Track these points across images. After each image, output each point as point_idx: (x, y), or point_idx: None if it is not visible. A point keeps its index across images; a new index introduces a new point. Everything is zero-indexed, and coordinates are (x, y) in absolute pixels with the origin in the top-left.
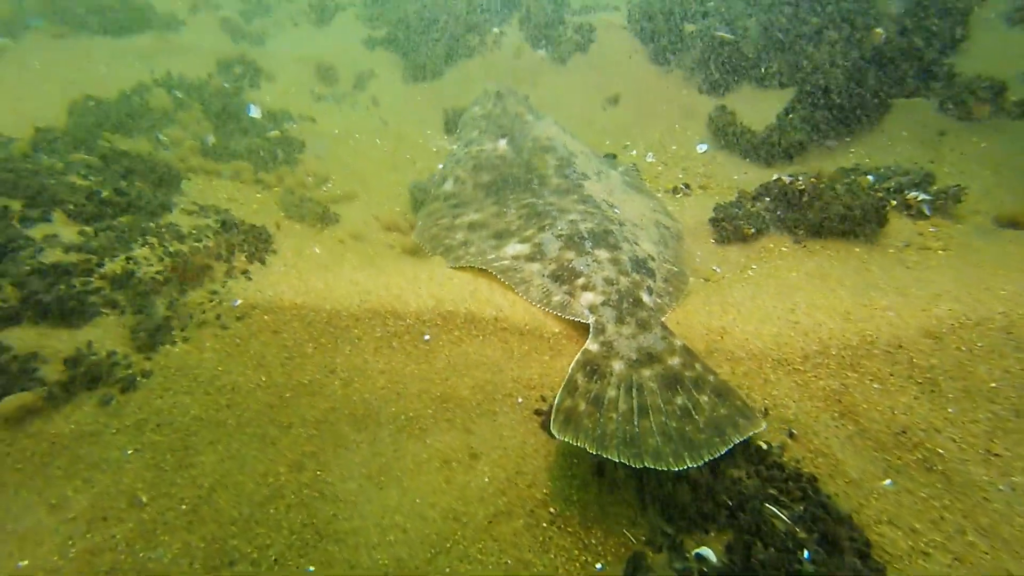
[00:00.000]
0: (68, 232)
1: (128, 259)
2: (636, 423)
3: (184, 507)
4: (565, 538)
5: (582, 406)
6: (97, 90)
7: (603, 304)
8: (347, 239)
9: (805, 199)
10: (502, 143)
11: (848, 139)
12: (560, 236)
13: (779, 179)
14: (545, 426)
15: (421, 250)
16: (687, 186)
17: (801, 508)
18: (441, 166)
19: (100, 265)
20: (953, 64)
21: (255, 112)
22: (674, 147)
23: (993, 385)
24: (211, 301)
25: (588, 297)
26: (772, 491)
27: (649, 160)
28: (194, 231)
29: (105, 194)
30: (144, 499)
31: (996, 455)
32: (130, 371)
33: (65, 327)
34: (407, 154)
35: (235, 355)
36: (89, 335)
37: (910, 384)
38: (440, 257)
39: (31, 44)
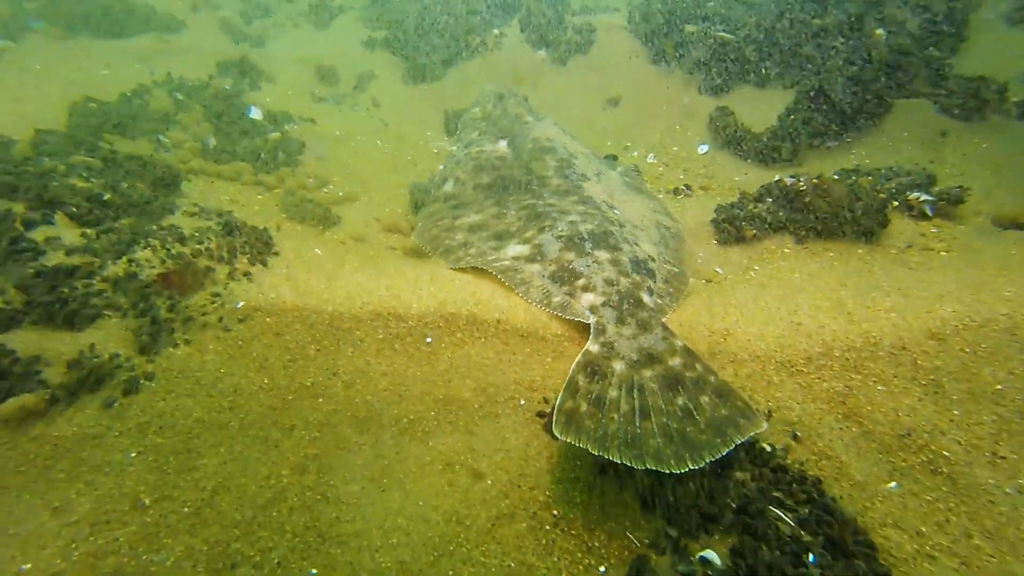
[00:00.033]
0: (70, 234)
1: (130, 261)
2: (638, 424)
3: (187, 510)
4: (568, 541)
5: (583, 407)
6: (97, 92)
7: (604, 305)
8: (348, 241)
9: (807, 200)
10: (502, 144)
11: (849, 140)
12: (560, 237)
13: (780, 180)
14: (547, 428)
15: (423, 252)
16: (688, 187)
17: (806, 511)
18: (441, 167)
19: (102, 267)
20: (953, 65)
21: (256, 114)
22: (675, 148)
23: (998, 387)
24: (213, 303)
25: (588, 298)
26: (776, 494)
27: (650, 161)
28: (196, 233)
29: (107, 196)
30: (147, 502)
31: (1002, 457)
32: (133, 373)
33: (68, 330)
34: (408, 155)
35: (237, 357)
36: (92, 338)
37: (914, 386)
38: (441, 258)
39: (31, 46)
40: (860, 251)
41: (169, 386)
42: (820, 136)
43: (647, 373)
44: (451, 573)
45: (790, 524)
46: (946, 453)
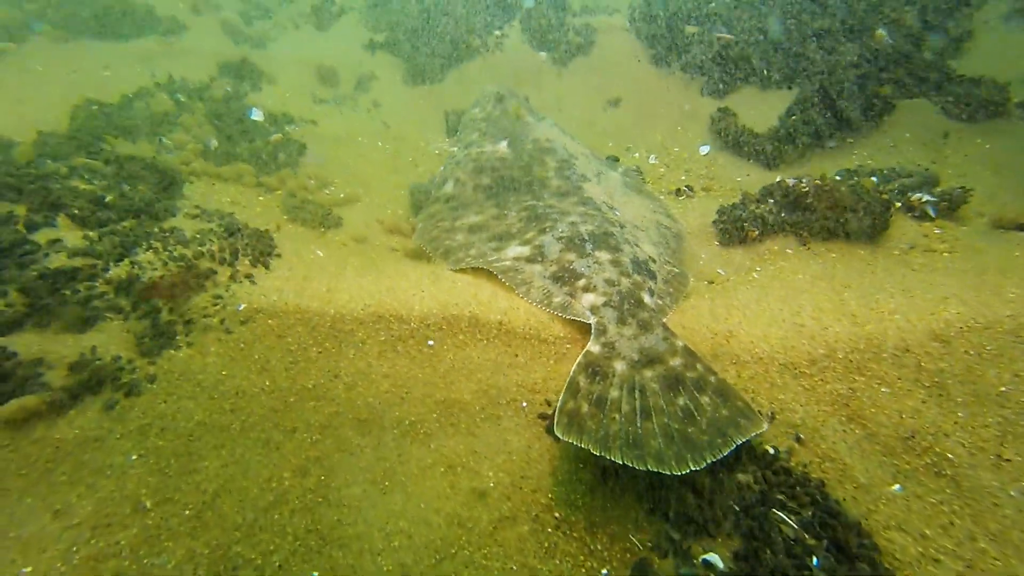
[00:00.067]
0: (72, 237)
1: (132, 264)
2: (639, 425)
3: (188, 513)
4: (570, 543)
5: (585, 407)
6: (99, 93)
7: (605, 305)
8: (350, 242)
9: (809, 201)
10: (502, 145)
11: (850, 140)
12: (561, 238)
13: (782, 181)
14: (550, 430)
15: (424, 253)
16: (690, 188)
17: (809, 513)
18: (442, 168)
19: (105, 270)
20: (955, 65)
21: (257, 115)
22: (676, 149)
23: (1003, 389)
24: (215, 305)
25: (589, 298)
26: (780, 496)
27: (651, 162)
28: (198, 235)
29: (109, 198)
30: (148, 505)
31: (1006, 460)
32: (134, 376)
33: (70, 332)
34: (409, 157)
35: (239, 360)
36: (94, 340)
37: (918, 388)
38: (441, 259)
39: (33, 48)
40: (862, 252)
41: (171, 388)
42: (821, 137)
43: (648, 373)
44: None
45: (794, 527)
46: (950, 456)
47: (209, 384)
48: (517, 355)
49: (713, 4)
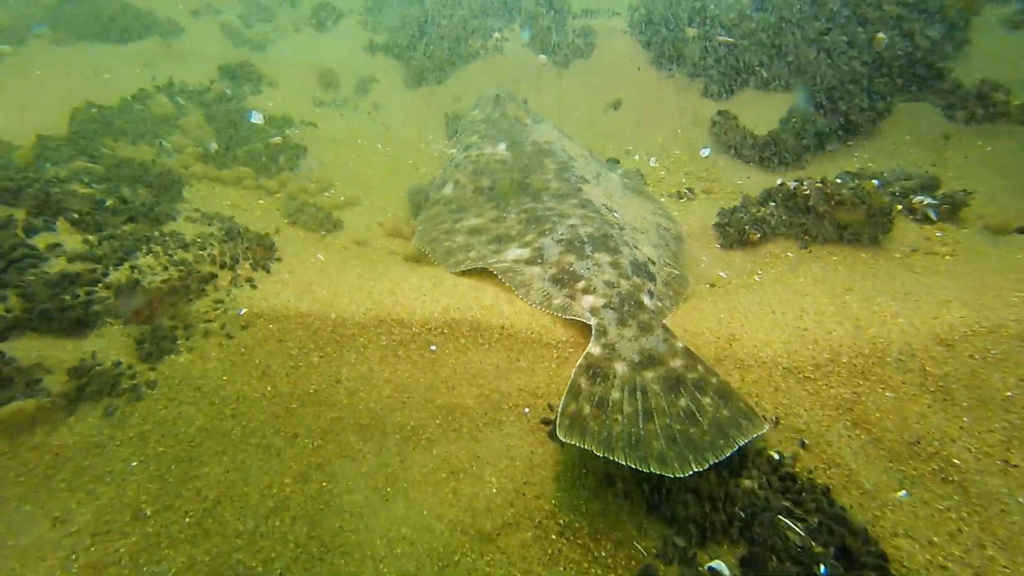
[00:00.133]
0: (72, 241)
1: (132, 268)
2: (641, 426)
3: (188, 520)
4: (574, 550)
5: (587, 409)
6: (99, 97)
7: (605, 307)
8: (351, 245)
9: (810, 203)
10: (501, 147)
11: (851, 143)
12: (560, 241)
13: (783, 184)
14: (553, 435)
15: (425, 257)
16: (691, 190)
17: (816, 520)
18: (441, 170)
19: (105, 274)
20: (955, 68)
21: (257, 118)
22: (677, 151)
23: (1008, 394)
24: (216, 310)
25: (589, 300)
26: (786, 503)
27: (652, 165)
28: (198, 239)
29: (109, 202)
30: (148, 512)
31: (1014, 466)
32: (135, 381)
33: (69, 337)
34: (409, 159)
35: (240, 365)
36: (94, 345)
37: (923, 393)
38: (441, 262)
39: (32, 51)
40: (864, 255)
41: (171, 394)
42: (822, 139)
43: (649, 375)
44: None
45: (800, 534)
46: (956, 461)
47: (210, 389)
48: (519, 359)
49: (713, 7)
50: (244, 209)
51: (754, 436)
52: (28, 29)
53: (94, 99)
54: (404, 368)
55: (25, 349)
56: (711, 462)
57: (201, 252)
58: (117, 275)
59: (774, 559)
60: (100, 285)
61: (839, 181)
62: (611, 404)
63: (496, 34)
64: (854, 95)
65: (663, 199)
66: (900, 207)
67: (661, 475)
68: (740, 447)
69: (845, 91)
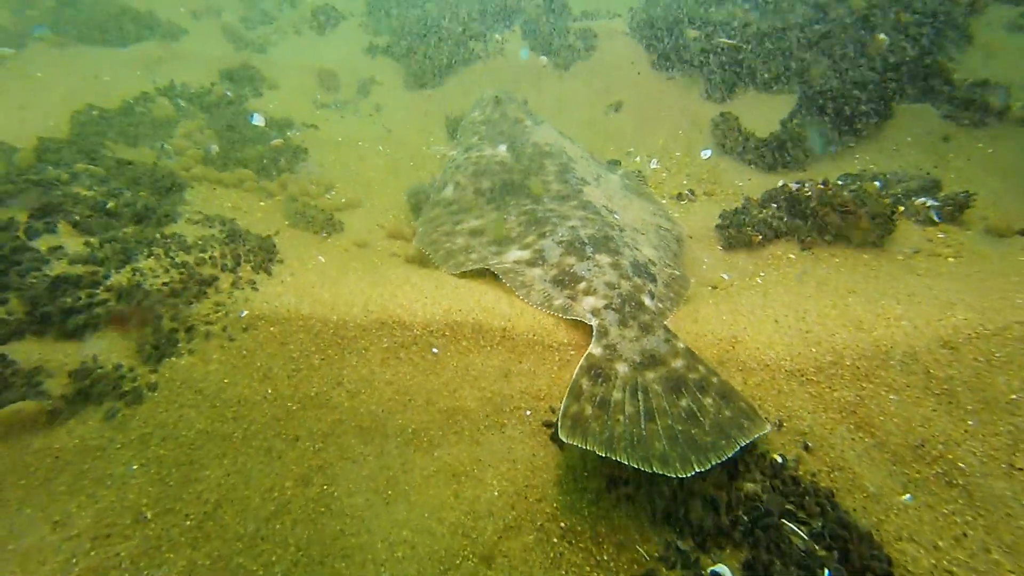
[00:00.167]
0: (73, 243)
1: (134, 270)
2: (643, 426)
3: (189, 523)
4: (576, 554)
5: (588, 410)
6: (100, 99)
7: (605, 308)
8: (352, 247)
9: (812, 205)
10: (502, 149)
11: (852, 145)
12: (561, 242)
13: (785, 186)
14: (555, 438)
15: (426, 259)
16: (692, 192)
17: (819, 524)
18: (442, 172)
19: (106, 277)
20: (957, 69)
21: (258, 120)
22: (678, 153)
23: (1013, 397)
24: (217, 312)
25: (590, 301)
26: (789, 506)
27: (653, 166)
28: (199, 241)
29: (110, 204)
30: (148, 515)
31: (1019, 469)
32: (136, 384)
33: (70, 340)
34: (410, 161)
35: (241, 367)
36: (95, 348)
37: (927, 395)
38: (442, 263)
39: (33, 53)
40: (866, 257)
41: (172, 397)
42: (823, 141)
43: (650, 375)
44: None
45: (804, 538)
46: (961, 464)
47: (211, 392)
48: (521, 362)
49: (714, 9)
50: (245, 211)
51: (756, 436)
52: (28, 32)
53: (95, 101)
54: (406, 370)
55: (26, 352)
56: (713, 462)
57: (202, 254)
58: (118, 278)
59: (777, 563)
60: (101, 288)
61: (840, 183)
62: (613, 405)
63: (497, 36)
64: (855, 97)
65: (664, 201)
66: (902, 209)
67: (663, 476)
68: (742, 447)
69: (846, 92)
